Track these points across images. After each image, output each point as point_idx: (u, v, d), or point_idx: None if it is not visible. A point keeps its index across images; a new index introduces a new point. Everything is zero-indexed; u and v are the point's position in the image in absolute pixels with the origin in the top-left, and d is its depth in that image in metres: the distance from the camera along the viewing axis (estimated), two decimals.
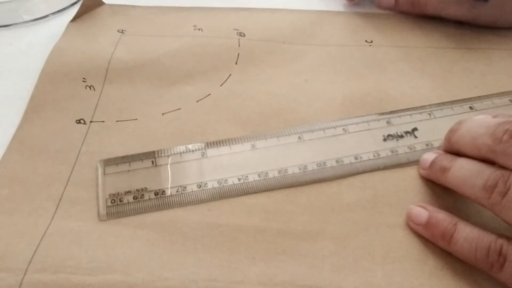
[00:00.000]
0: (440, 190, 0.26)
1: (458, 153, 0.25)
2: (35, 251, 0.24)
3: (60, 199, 0.26)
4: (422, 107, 0.31)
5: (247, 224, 0.25)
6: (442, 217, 0.24)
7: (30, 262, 0.24)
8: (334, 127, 0.29)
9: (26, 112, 0.31)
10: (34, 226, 0.25)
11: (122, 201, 0.26)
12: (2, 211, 0.26)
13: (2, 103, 0.32)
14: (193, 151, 0.28)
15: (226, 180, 0.27)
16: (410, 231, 0.25)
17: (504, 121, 0.22)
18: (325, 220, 0.26)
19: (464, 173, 0.23)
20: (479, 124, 0.24)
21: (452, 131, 0.25)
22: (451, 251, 0.23)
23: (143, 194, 0.27)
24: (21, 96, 0.32)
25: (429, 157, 0.26)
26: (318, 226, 0.25)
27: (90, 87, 0.32)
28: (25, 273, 0.23)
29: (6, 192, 0.27)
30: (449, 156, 0.25)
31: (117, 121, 0.30)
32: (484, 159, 0.23)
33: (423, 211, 0.25)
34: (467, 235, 0.22)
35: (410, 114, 0.30)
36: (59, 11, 0.39)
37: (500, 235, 0.22)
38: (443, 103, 0.31)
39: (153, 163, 0.28)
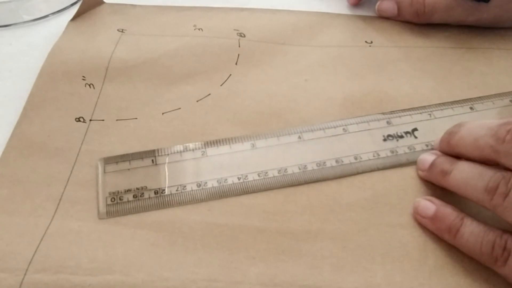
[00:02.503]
0: (440, 191, 0.26)
1: (457, 156, 0.25)
2: (35, 251, 0.24)
3: (60, 199, 0.26)
4: (423, 107, 0.31)
5: (247, 224, 0.25)
6: (449, 211, 0.24)
7: (30, 263, 0.24)
8: (334, 127, 0.29)
9: (25, 109, 0.31)
10: (34, 226, 0.25)
11: (122, 199, 0.26)
12: (2, 211, 0.26)
13: (1, 103, 0.32)
14: (193, 150, 0.28)
15: (226, 179, 0.27)
16: (410, 231, 0.25)
17: (506, 121, 0.23)
18: (325, 220, 0.26)
19: (466, 176, 0.23)
20: (480, 125, 0.24)
21: (451, 134, 0.26)
22: (457, 245, 0.23)
23: (143, 193, 0.27)
24: (20, 96, 0.31)
25: (427, 158, 0.27)
26: (318, 226, 0.25)
27: (89, 85, 0.32)
28: (25, 274, 0.23)
29: (6, 192, 0.27)
30: (449, 159, 0.25)
31: (116, 120, 0.30)
32: (486, 160, 0.23)
33: (430, 205, 0.25)
34: (473, 230, 0.23)
35: (410, 114, 0.30)
36: (59, 11, 0.39)
37: (505, 231, 0.22)
38: (444, 104, 0.31)
39: (153, 161, 0.28)
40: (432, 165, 0.26)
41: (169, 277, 0.23)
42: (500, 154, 0.22)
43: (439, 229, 0.24)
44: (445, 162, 0.25)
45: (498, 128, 0.23)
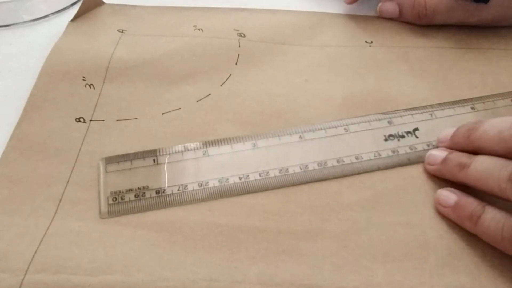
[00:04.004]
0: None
1: (474, 151, 0.25)
2: (36, 251, 0.24)
3: (61, 199, 0.26)
4: (424, 107, 0.31)
5: (247, 224, 0.25)
6: (471, 200, 0.24)
7: (30, 263, 0.24)
8: (336, 127, 0.29)
9: (25, 110, 0.31)
10: (35, 227, 0.25)
11: (124, 199, 0.26)
12: (3, 212, 0.26)
13: (1, 103, 0.32)
14: (194, 149, 0.28)
15: (227, 179, 0.27)
16: (411, 230, 0.25)
17: None
18: (325, 220, 0.26)
19: (487, 167, 0.24)
20: (503, 119, 0.24)
21: (472, 129, 0.26)
22: (477, 232, 0.24)
23: (144, 193, 0.27)
24: (21, 96, 0.31)
25: (438, 153, 0.27)
26: (318, 225, 0.25)
27: (90, 85, 0.32)
28: (25, 274, 0.23)
29: (6, 192, 0.27)
30: (465, 153, 0.26)
31: (117, 120, 0.30)
32: (510, 151, 0.23)
33: (451, 194, 0.25)
34: (494, 216, 0.23)
35: (411, 114, 0.30)
36: (59, 11, 0.39)
37: None
38: (445, 103, 0.31)
39: (154, 161, 0.28)
40: (447, 159, 0.26)
41: (170, 277, 0.23)
42: None
43: (460, 217, 0.24)
44: (462, 156, 0.25)
45: None
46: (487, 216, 0.23)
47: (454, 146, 0.27)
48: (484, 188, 0.24)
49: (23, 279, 0.23)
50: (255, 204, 0.26)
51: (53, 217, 0.26)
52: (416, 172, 0.27)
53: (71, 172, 0.28)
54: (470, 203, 0.24)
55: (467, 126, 0.26)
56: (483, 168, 0.24)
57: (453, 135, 0.27)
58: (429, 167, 0.27)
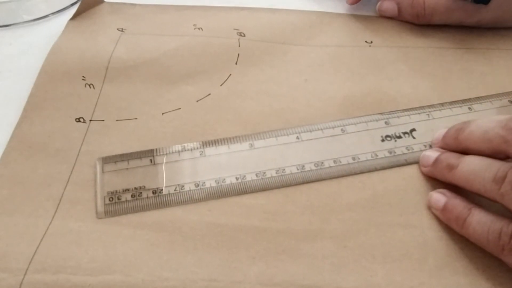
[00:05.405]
0: (441, 188, 0.26)
1: (463, 151, 0.25)
2: (35, 251, 0.24)
3: (60, 199, 0.26)
4: (421, 107, 0.31)
5: (246, 224, 0.25)
6: (458, 202, 0.24)
7: (30, 263, 0.24)
8: (333, 127, 0.29)
9: (25, 110, 0.31)
10: (35, 227, 0.25)
11: (120, 199, 0.26)
12: (2, 212, 0.26)
13: (2, 103, 0.32)
14: (191, 150, 0.28)
15: (224, 179, 0.27)
16: (410, 230, 0.25)
17: None
18: (325, 220, 0.26)
19: (473, 168, 0.24)
20: (489, 120, 0.24)
21: (459, 130, 0.26)
22: (464, 234, 0.24)
23: (141, 193, 0.27)
24: (20, 96, 0.31)
25: (431, 154, 0.27)
26: (318, 225, 0.25)
27: (89, 85, 0.32)
28: (25, 274, 0.23)
29: (6, 192, 0.27)
30: (455, 154, 0.26)
31: (116, 120, 0.30)
32: (496, 152, 0.23)
33: (441, 197, 0.25)
34: (480, 219, 0.23)
35: (408, 115, 0.30)
36: (59, 11, 0.39)
37: None
38: (442, 104, 0.31)
39: (151, 161, 0.28)
40: (437, 160, 0.26)
41: (169, 277, 0.23)
42: (510, 144, 0.23)
43: (448, 219, 0.25)
44: (451, 157, 0.26)
45: (508, 120, 0.23)
46: (473, 219, 0.23)
47: (445, 147, 0.27)
48: (471, 189, 0.24)
49: (23, 279, 0.23)
50: (255, 204, 0.26)
51: (53, 217, 0.26)
52: (416, 172, 0.27)
53: (71, 172, 0.28)
54: (457, 206, 0.24)
55: (456, 127, 0.26)
56: (470, 169, 0.24)
57: (444, 136, 0.27)
58: (423, 169, 0.27)
